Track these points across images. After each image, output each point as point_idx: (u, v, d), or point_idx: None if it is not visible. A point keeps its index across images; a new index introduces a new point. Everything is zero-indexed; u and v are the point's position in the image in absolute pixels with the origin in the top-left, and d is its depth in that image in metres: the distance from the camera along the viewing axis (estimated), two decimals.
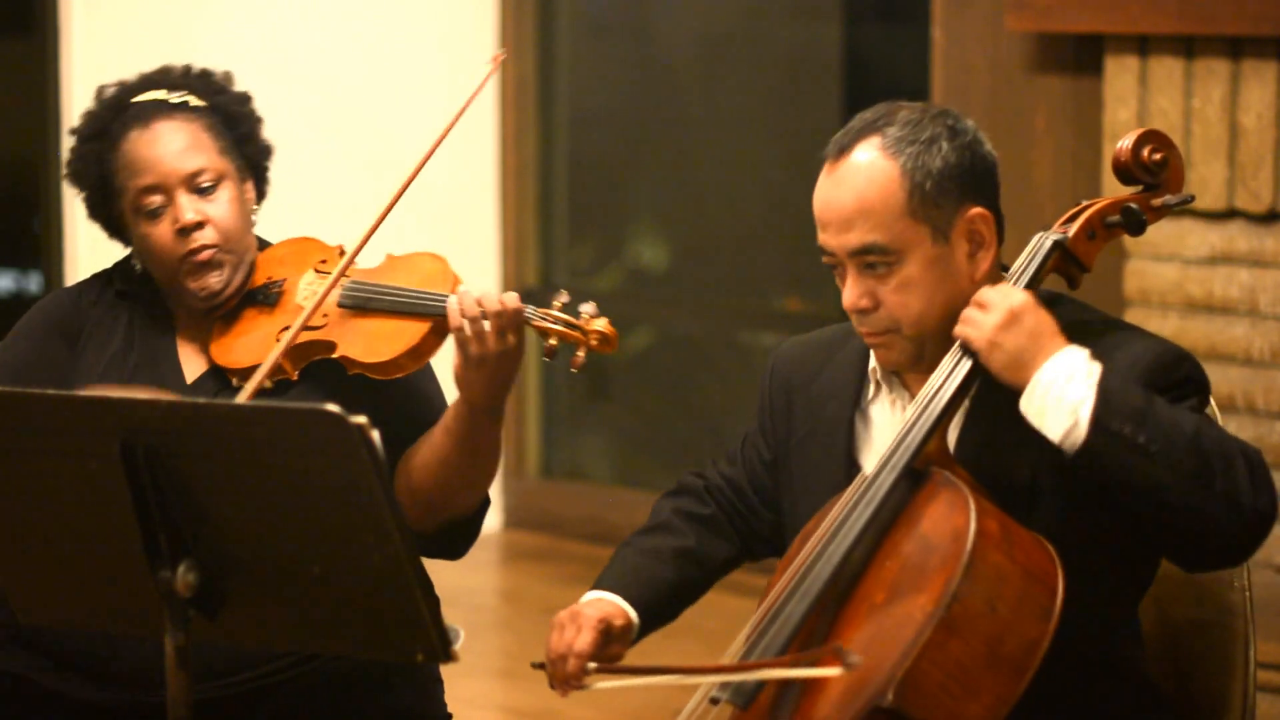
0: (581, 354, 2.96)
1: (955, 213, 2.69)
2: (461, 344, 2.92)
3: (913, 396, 2.75)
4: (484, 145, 6.61)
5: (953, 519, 2.54)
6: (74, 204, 5.74)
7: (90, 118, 3.15)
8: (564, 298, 2.98)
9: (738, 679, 2.58)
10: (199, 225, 3.06)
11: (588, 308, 2.96)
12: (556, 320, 2.96)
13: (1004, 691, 2.47)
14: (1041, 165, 5.18)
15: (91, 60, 5.57)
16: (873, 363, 2.81)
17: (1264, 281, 4.83)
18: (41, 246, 5.73)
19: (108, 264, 3.24)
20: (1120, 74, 4.95)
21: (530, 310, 2.95)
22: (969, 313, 2.64)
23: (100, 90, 3.17)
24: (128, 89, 3.15)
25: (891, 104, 2.76)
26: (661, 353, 6.77)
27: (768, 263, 6.49)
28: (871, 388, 2.82)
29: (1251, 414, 4.82)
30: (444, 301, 2.97)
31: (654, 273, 6.82)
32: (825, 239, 2.72)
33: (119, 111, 3.12)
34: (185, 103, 3.12)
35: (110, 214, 3.15)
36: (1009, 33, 5.17)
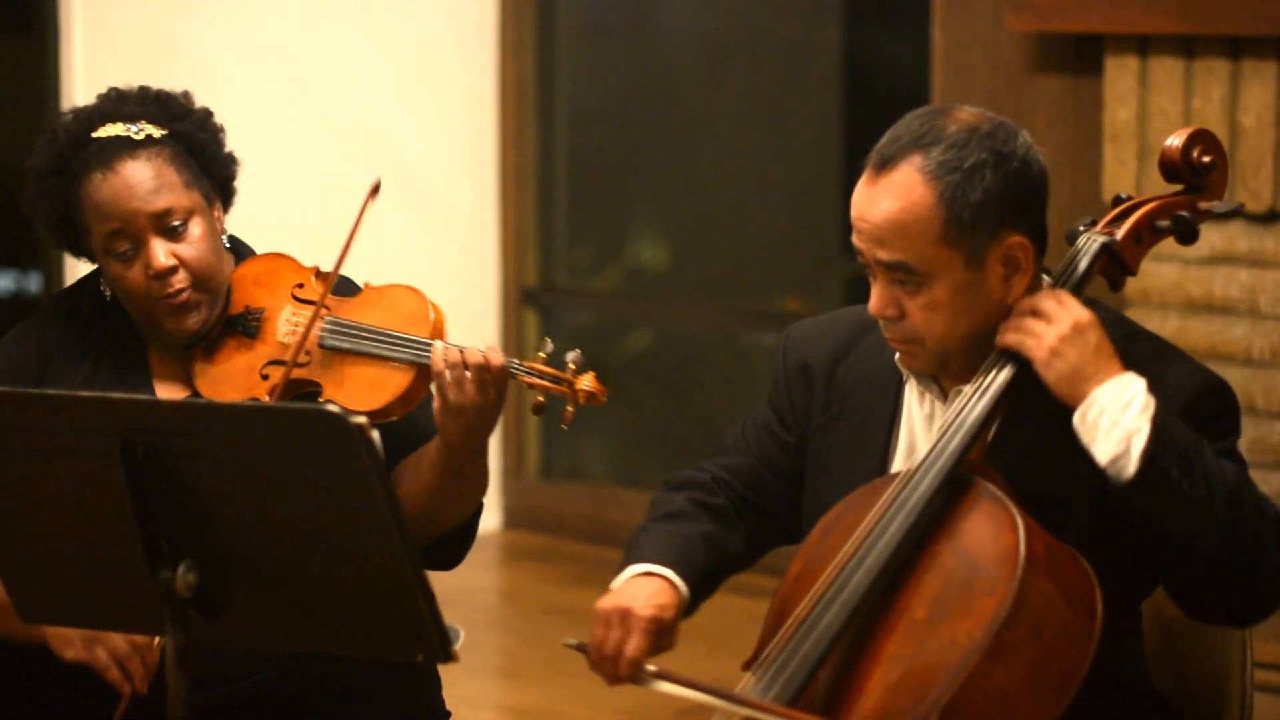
0: (570, 409, 2.92)
1: (992, 240, 2.62)
2: (441, 390, 2.89)
3: (940, 389, 2.72)
4: (484, 145, 6.61)
5: (1000, 538, 2.50)
6: None
7: (48, 152, 3.06)
8: (548, 347, 2.94)
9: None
10: (173, 269, 2.99)
11: (573, 355, 2.93)
12: (543, 374, 2.91)
13: (1042, 716, 2.45)
14: None
15: (91, 60, 5.57)
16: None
17: (1264, 281, 4.83)
18: (41, 246, 5.73)
19: None
20: (1120, 74, 4.95)
21: (515, 365, 2.90)
22: (1027, 322, 2.59)
23: (54, 120, 3.08)
24: (85, 121, 3.05)
25: (943, 112, 2.67)
26: (661, 353, 6.77)
27: (768, 263, 6.49)
28: (902, 373, 2.78)
29: (1252, 414, 4.82)
30: (427, 348, 2.92)
31: (654, 273, 6.82)
32: (857, 240, 2.66)
33: (78, 148, 3.03)
34: (148, 136, 3.02)
35: (75, 247, 3.09)
36: (1009, 33, 5.18)
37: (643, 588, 2.69)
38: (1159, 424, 2.51)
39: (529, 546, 6.44)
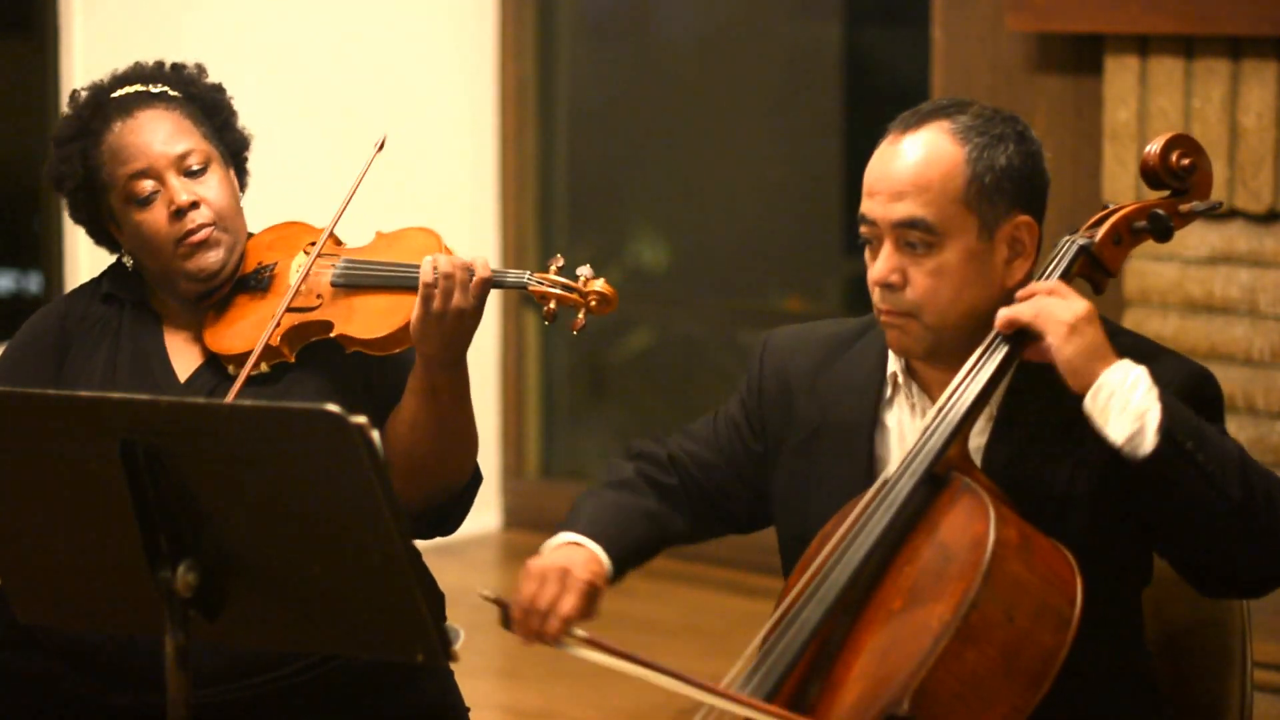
0: (581, 316, 2.98)
1: (1006, 214, 2.66)
2: (427, 299, 2.94)
3: (933, 401, 2.72)
4: (484, 145, 6.61)
5: (972, 527, 2.52)
6: None
7: (69, 120, 3.15)
8: (559, 261, 3.00)
9: (713, 701, 2.52)
10: (194, 205, 3.07)
11: (584, 270, 2.99)
12: (554, 284, 2.97)
13: (1020, 701, 2.46)
14: None
15: (91, 60, 5.57)
16: (892, 366, 2.78)
17: (1264, 281, 4.83)
18: (41, 246, 5.73)
19: (108, 263, 3.24)
20: (1120, 74, 4.95)
21: (527, 277, 2.97)
22: (1041, 299, 2.59)
23: (74, 94, 3.17)
24: (103, 88, 3.16)
25: (965, 99, 2.74)
26: (661, 353, 6.77)
27: (768, 263, 6.49)
28: (889, 389, 2.79)
29: (1251, 414, 4.82)
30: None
31: (654, 273, 6.82)
32: (870, 207, 2.68)
33: (98, 108, 3.12)
34: (164, 92, 3.14)
35: (96, 213, 3.15)
36: (1009, 33, 5.18)
37: (577, 554, 2.73)
38: (1167, 401, 2.53)
39: (529, 546, 6.38)
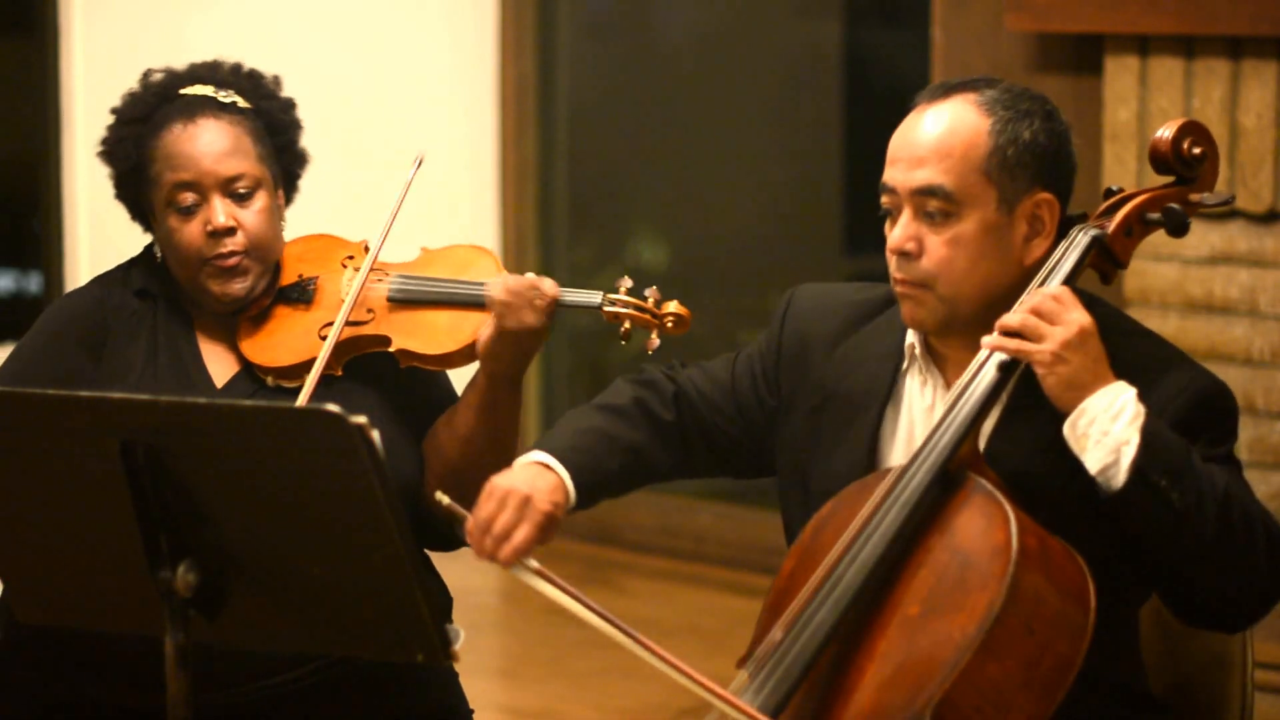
0: (655, 337, 3.03)
1: (1027, 189, 2.65)
2: (501, 317, 2.96)
3: (945, 381, 2.71)
4: (484, 145, 6.61)
5: (992, 533, 2.50)
6: (74, 204, 5.74)
7: (134, 100, 3.12)
8: (628, 282, 3.03)
9: (652, 660, 2.51)
10: (230, 230, 3.04)
11: (650, 290, 3.04)
12: (627, 305, 3.02)
13: (1036, 711, 2.45)
14: None
15: (91, 60, 5.57)
16: (910, 338, 2.75)
17: (1264, 281, 4.82)
18: (41, 246, 5.73)
19: (108, 265, 3.22)
20: (1120, 74, 4.95)
21: (600, 297, 3.01)
22: (1028, 320, 2.56)
23: (147, 74, 3.13)
24: (176, 78, 3.12)
25: (995, 77, 2.75)
26: (661, 352, 6.76)
27: (768, 263, 6.49)
28: (905, 360, 2.76)
29: (1252, 414, 4.82)
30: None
31: (654, 273, 6.82)
32: (891, 175, 2.67)
33: (164, 100, 3.09)
34: (234, 103, 3.10)
35: (137, 199, 3.13)
36: (1009, 33, 5.18)
37: (542, 480, 2.69)
38: (1148, 435, 2.51)
39: None
